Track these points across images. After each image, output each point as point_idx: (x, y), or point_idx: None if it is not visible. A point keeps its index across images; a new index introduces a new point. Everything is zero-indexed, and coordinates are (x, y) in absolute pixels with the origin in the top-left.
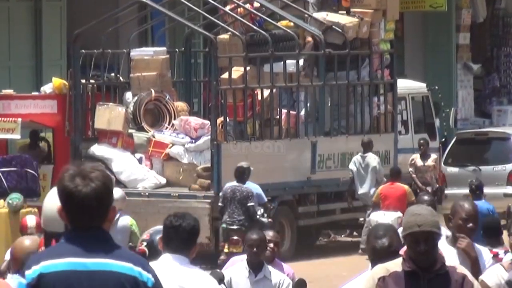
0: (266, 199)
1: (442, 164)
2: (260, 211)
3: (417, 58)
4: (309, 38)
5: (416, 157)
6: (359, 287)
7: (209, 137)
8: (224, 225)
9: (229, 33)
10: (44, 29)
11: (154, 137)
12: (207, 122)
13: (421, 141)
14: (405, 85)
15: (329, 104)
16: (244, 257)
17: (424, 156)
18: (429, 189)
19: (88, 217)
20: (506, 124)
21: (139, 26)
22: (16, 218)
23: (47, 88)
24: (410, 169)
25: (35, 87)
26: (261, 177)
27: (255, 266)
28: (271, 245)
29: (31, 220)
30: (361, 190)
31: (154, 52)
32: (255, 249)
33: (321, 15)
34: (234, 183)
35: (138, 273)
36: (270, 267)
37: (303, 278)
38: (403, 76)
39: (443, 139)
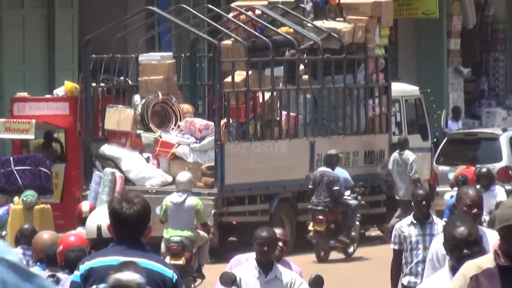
0: (353, 183)
1: (434, 163)
2: (351, 195)
3: (410, 63)
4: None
5: (389, 161)
6: (450, 286)
7: (213, 137)
8: (310, 206)
9: (232, 39)
10: (56, 35)
11: (161, 137)
12: (211, 123)
13: (399, 140)
14: (399, 88)
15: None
16: (249, 255)
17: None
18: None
19: (130, 231)
20: (495, 125)
21: (147, 32)
22: (30, 214)
23: (59, 91)
24: (383, 171)
25: (48, 90)
26: (262, 175)
27: (265, 266)
28: (280, 243)
29: (85, 206)
30: (401, 186)
31: (161, 57)
32: (265, 248)
33: (319, 23)
34: (324, 168)
35: (165, 271)
36: (280, 266)
37: (320, 274)
38: (397, 80)
39: (435, 139)
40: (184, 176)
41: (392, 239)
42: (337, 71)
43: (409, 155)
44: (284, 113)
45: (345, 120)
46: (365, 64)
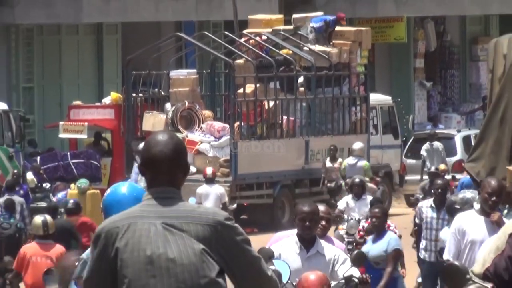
0: None
1: (403, 157)
2: None
3: (385, 78)
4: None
5: (327, 159)
6: (491, 245)
7: (229, 136)
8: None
9: (244, 59)
10: (104, 56)
11: (187, 136)
12: (227, 125)
13: (331, 147)
14: (375, 98)
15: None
16: (290, 232)
17: (333, 159)
18: (332, 184)
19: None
20: (451, 127)
21: (176, 53)
22: (83, 198)
23: (106, 100)
24: (322, 169)
25: (98, 99)
26: (267, 166)
27: (307, 242)
28: (323, 222)
29: (209, 170)
30: (431, 167)
31: (187, 73)
32: (307, 223)
33: (312, 46)
34: None
35: None
36: (323, 242)
37: (362, 251)
38: (374, 91)
39: (404, 138)
40: (358, 145)
41: (415, 214)
42: (326, 84)
43: (438, 145)
44: (284, 117)
45: (333, 123)
46: (349, 79)
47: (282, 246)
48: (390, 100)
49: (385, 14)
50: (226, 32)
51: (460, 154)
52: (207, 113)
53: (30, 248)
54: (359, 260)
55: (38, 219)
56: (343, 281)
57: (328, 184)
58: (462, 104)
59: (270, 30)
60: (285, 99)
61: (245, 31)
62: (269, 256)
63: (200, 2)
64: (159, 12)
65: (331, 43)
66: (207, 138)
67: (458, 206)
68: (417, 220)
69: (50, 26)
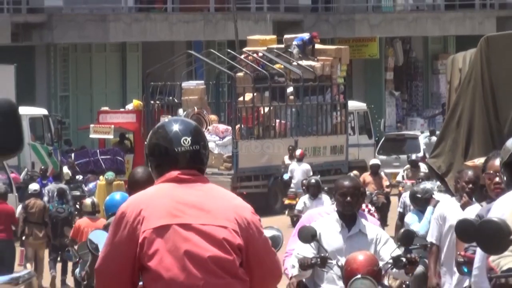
0: None
1: (376, 154)
2: None
3: (360, 88)
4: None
5: (286, 157)
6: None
7: (231, 137)
8: None
9: (243, 72)
10: (127, 70)
11: None
12: (229, 127)
13: (290, 147)
14: (353, 104)
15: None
16: (320, 210)
17: (291, 157)
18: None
19: None
20: (416, 129)
21: (187, 67)
22: (110, 188)
23: (129, 106)
24: (282, 165)
25: (122, 105)
26: (263, 161)
27: (348, 219)
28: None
29: (298, 152)
30: (413, 156)
31: (196, 84)
32: (348, 198)
33: (300, 61)
34: None
35: None
36: (364, 220)
37: (410, 229)
38: (352, 99)
39: (377, 138)
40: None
41: (399, 204)
42: (312, 93)
43: (434, 140)
44: (277, 121)
45: (318, 125)
46: (330, 89)
47: (322, 225)
48: (365, 106)
49: (361, 35)
50: (229, 50)
51: (423, 151)
52: (213, 117)
53: (83, 222)
54: (407, 239)
55: (88, 200)
56: (391, 261)
57: (286, 178)
58: (425, 110)
59: (265, 48)
60: (278, 106)
61: (244, 49)
62: (311, 235)
63: (207, 25)
64: (173, 34)
65: (316, 58)
66: (213, 138)
67: (419, 195)
68: (400, 210)
69: (82, 45)
